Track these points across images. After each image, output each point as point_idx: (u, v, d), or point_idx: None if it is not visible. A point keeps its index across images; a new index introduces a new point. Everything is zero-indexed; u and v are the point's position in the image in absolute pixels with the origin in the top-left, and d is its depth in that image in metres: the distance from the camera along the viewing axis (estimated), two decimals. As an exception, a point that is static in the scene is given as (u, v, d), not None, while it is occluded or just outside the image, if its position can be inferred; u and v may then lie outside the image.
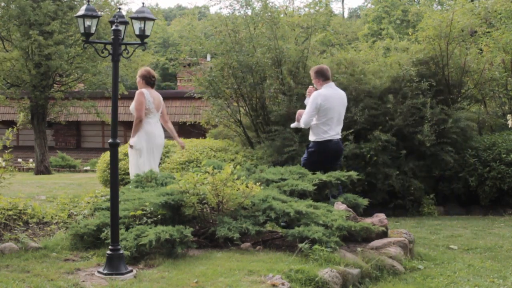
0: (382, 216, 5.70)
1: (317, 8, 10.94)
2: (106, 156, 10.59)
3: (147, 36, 4.44)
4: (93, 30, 4.38)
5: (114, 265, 4.24)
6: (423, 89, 8.77)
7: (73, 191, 9.77)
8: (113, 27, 4.32)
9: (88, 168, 19.90)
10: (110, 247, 4.30)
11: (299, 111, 7.01)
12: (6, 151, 5.52)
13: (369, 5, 37.78)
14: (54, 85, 16.73)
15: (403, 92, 8.77)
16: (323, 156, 6.70)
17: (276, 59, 9.25)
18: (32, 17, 14.47)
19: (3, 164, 5.55)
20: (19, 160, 20.57)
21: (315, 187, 5.95)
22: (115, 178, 4.38)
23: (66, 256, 4.75)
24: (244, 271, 4.29)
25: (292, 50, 9.30)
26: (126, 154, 8.73)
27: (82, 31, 4.37)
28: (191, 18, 34.95)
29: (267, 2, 10.03)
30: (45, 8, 14.49)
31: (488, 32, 10.31)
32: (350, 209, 5.64)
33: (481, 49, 10.21)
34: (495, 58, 10.08)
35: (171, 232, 4.64)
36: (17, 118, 17.23)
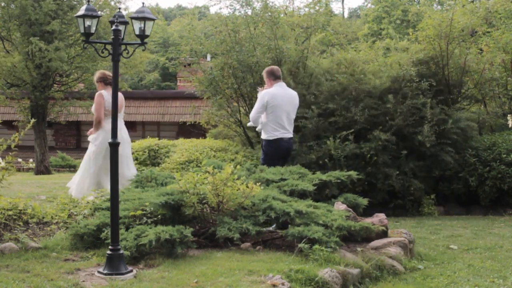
0: (382, 216, 5.70)
1: (317, 8, 10.89)
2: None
3: (147, 36, 4.44)
4: (93, 30, 4.38)
5: (114, 265, 4.25)
6: (423, 89, 8.77)
7: (73, 191, 9.73)
8: (113, 27, 4.32)
9: (88, 168, 19.84)
10: (110, 247, 4.30)
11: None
12: (10, 153, 5.54)
13: (369, 5, 37.75)
14: (54, 85, 16.72)
15: (403, 92, 8.78)
16: (276, 153, 6.80)
17: (276, 59, 9.25)
18: (32, 16, 14.45)
19: (3, 164, 5.55)
20: (19, 160, 20.55)
21: (315, 187, 5.96)
22: (115, 178, 4.38)
23: (66, 256, 4.75)
24: (244, 271, 4.29)
25: (292, 50, 9.30)
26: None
27: (82, 31, 4.38)
28: (191, 18, 34.96)
29: (267, 2, 10.03)
30: (46, 6, 14.47)
31: (488, 32, 10.31)
32: (350, 209, 5.65)
33: (481, 49, 10.22)
34: (495, 58, 10.08)
35: (171, 232, 4.64)
36: (17, 118, 17.24)
